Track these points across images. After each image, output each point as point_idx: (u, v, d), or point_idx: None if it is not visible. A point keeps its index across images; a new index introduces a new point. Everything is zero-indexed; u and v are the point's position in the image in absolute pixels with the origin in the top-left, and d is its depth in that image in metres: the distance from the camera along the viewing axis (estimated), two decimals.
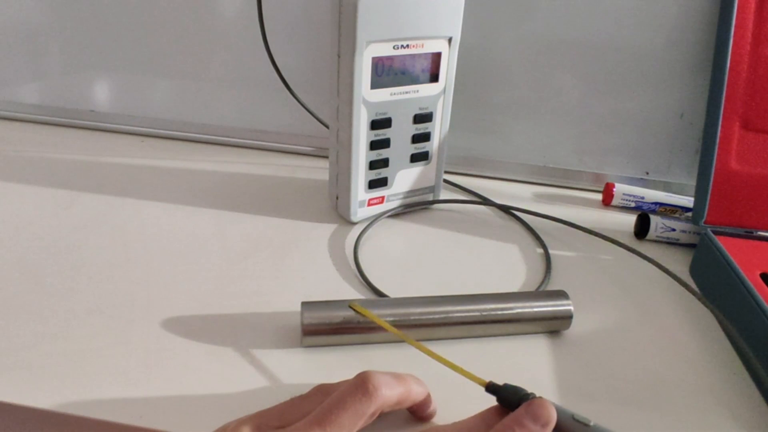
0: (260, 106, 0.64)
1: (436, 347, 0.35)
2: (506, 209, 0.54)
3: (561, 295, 0.38)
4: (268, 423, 0.26)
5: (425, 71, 0.47)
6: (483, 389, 0.29)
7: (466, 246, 0.49)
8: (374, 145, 0.48)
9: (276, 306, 0.39)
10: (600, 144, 0.60)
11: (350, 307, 0.34)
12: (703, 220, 0.48)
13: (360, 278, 0.43)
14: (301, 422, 0.25)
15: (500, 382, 0.29)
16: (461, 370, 0.30)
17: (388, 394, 0.27)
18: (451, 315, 0.36)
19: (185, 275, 0.42)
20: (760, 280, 0.40)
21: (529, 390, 0.29)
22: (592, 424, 0.27)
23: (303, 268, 0.44)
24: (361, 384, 0.26)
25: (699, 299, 0.41)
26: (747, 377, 0.36)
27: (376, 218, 0.51)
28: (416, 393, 0.29)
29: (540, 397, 0.27)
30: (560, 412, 0.27)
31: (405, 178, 0.51)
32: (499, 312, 0.37)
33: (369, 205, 0.51)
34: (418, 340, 0.36)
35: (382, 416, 0.29)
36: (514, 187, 0.61)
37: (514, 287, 0.43)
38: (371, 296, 0.41)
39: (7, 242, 0.44)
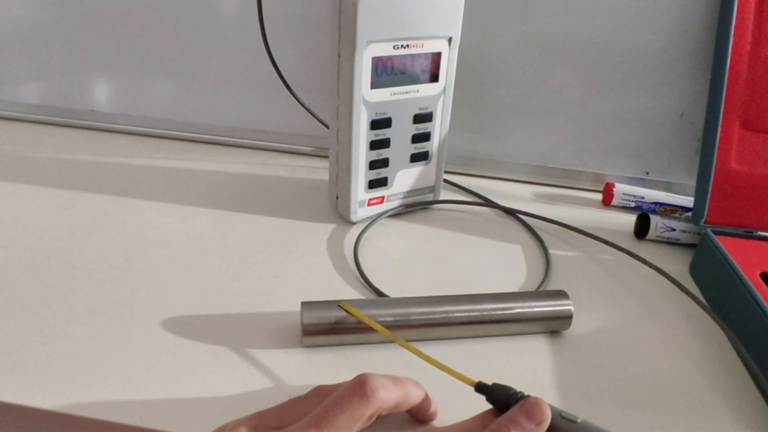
0: (260, 106, 0.64)
1: (436, 347, 0.36)
2: (507, 210, 0.54)
3: (561, 295, 0.38)
4: (266, 424, 0.26)
5: (425, 71, 0.47)
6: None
7: (466, 246, 0.49)
8: (374, 145, 0.48)
9: (276, 306, 0.39)
10: (600, 144, 0.60)
11: (339, 307, 0.34)
12: (703, 220, 0.48)
13: (360, 278, 0.43)
14: (299, 423, 0.25)
15: (501, 382, 0.29)
16: (450, 370, 0.30)
17: (386, 396, 0.27)
18: (451, 315, 0.36)
19: (185, 275, 0.42)
20: (760, 280, 0.40)
21: (529, 390, 0.29)
22: (579, 420, 0.27)
23: (303, 268, 0.44)
24: (359, 386, 0.26)
25: (696, 302, 0.41)
26: (747, 377, 0.36)
27: (376, 218, 0.51)
28: (414, 396, 0.29)
29: (534, 396, 0.27)
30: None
31: (405, 178, 0.51)
32: (499, 312, 0.37)
33: (369, 205, 0.51)
34: (418, 340, 0.36)
35: (381, 418, 0.29)
36: (514, 187, 0.61)
37: (514, 287, 0.43)
38: (371, 296, 0.41)
39: (7, 242, 0.44)
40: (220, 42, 0.61)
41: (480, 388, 0.29)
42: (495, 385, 0.28)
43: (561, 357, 0.36)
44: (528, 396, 0.27)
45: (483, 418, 0.28)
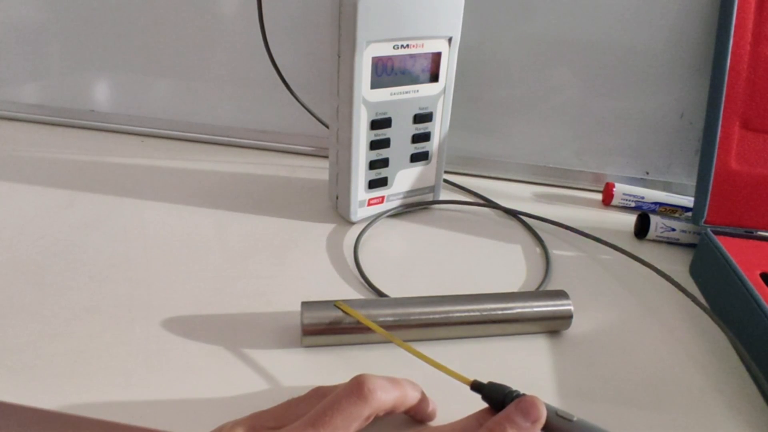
0: (260, 106, 0.64)
1: (436, 347, 0.36)
2: (507, 210, 0.54)
3: (561, 295, 0.38)
4: (264, 424, 0.27)
5: (425, 71, 0.47)
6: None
7: (466, 246, 0.49)
8: (374, 145, 0.48)
9: (276, 306, 0.39)
10: (600, 144, 0.60)
11: (336, 306, 0.34)
12: (703, 220, 0.48)
13: (360, 278, 0.43)
14: (296, 423, 0.26)
15: (502, 382, 0.29)
16: (446, 369, 0.30)
17: (384, 397, 0.27)
18: (451, 315, 0.36)
19: (185, 275, 0.42)
20: (760, 280, 0.40)
21: (530, 390, 0.29)
22: (575, 419, 0.27)
23: (303, 268, 0.44)
24: (357, 387, 0.26)
25: (696, 302, 0.41)
26: (747, 377, 0.36)
27: (376, 218, 0.51)
28: (412, 397, 0.29)
29: (529, 395, 0.27)
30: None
31: (405, 178, 0.51)
32: (499, 312, 0.37)
33: (369, 204, 0.51)
34: (418, 340, 0.36)
35: (379, 417, 0.29)
36: (514, 187, 0.61)
37: (514, 287, 0.43)
38: (371, 296, 0.41)
39: (6, 242, 0.44)
40: (220, 42, 0.61)
41: (476, 386, 0.29)
42: (491, 383, 0.28)
43: (561, 357, 0.36)
44: (524, 394, 0.27)
45: (479, 417, 0.28)
